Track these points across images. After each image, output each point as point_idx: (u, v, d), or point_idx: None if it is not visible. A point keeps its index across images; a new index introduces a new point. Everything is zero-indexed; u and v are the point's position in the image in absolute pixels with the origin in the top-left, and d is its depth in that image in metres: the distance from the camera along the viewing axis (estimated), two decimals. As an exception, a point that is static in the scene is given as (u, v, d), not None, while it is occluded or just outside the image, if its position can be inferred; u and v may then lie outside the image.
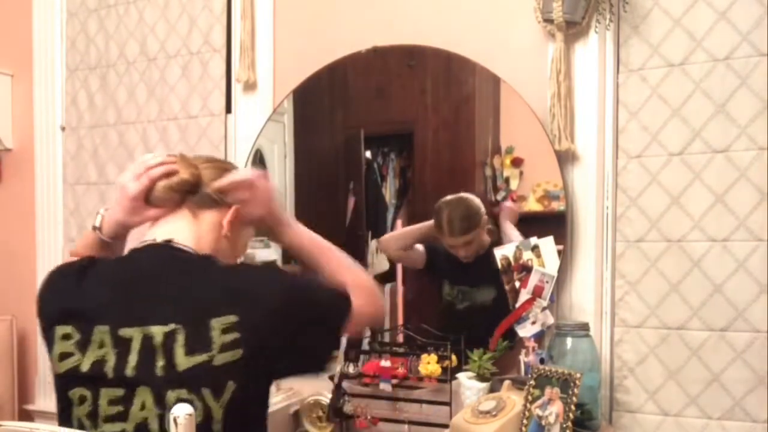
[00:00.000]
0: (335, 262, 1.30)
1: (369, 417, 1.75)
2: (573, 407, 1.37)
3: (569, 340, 1.61)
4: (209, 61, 2.18)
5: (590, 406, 1.55)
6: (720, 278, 1.62)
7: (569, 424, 1.36)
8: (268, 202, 1.26)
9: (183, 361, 1.01)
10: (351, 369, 1.81)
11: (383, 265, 2.04)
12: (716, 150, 1.63)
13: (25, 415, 2.46)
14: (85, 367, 1.05)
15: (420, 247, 1.97)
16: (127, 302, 1.07)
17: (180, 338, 1.02)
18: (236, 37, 2.14)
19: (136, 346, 1.03)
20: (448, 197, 1.89)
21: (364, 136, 2.08)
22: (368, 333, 2.00)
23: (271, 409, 1.86)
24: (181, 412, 0.85)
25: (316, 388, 1.89)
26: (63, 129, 2.44)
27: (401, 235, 2.01)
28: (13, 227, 2.55)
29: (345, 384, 1.79)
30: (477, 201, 1.87)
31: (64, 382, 1.07)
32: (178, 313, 1.04)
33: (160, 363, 1.01)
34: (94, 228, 1.25)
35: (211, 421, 1.00)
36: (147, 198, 1.19)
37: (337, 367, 1.79)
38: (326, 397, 1.81)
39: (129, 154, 2.30)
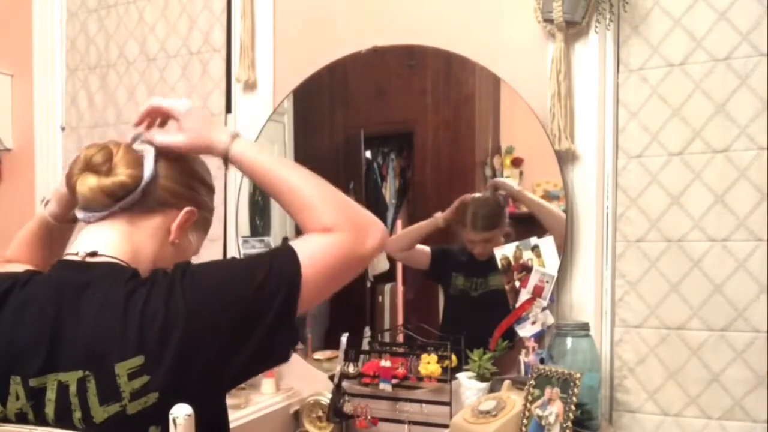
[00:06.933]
0: (298, 198, 1.04)
1: (369, 417, 1.75)
2: (573, 407, 1.36)
3: (569, 340, 1.61)
4: (209, 61, 2.18)
5: (590, 406, 1.55)
6: (720, 278, 1.62)
7: (569, 424, 1.36)
8: (192, 129, 1.06)
9: (99, 412, 0.89)
10: (351, 369, 1.81)
11: (383, 265, 2.04)
12: (716, 150, 1.63)
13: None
14: (11, 417, 0.94)
15: (425, 248, 1.97)
16: (38, 345, 0.92)
17: (92, 386, 0.89)
18: (236, 37, 2.14)
19: (51, 396, 0.91)
20: (477, 194, 1.91)
21: (364, 136, 2.08)
22: (368, 333, 2.00)
23: (271, 409, 1.88)
24: (181, 413, 0.85)
25: (316, 388, 1.89)
26: (63, 129, 2.44)
27: (401, 235, 2.01)
28: (13, 227, 2.54)
29: (345, 384, 1.79)
30: (503, 202, 1.87)
31: None
32: (87, 357, 0.90)
33: (77, 415, 0.90)
34: (43, 201, 1.19)
35: None
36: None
37: (337, 367, 1.79)
38: (326, 397, 1.82)
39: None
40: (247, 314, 0.93)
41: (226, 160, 1.07)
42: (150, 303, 0.91)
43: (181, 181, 1.08)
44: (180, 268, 0.96)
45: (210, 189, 1.15)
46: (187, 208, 1.07)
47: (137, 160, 1.03)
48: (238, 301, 0.93)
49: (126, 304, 0.91)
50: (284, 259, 0.97)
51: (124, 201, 1.02)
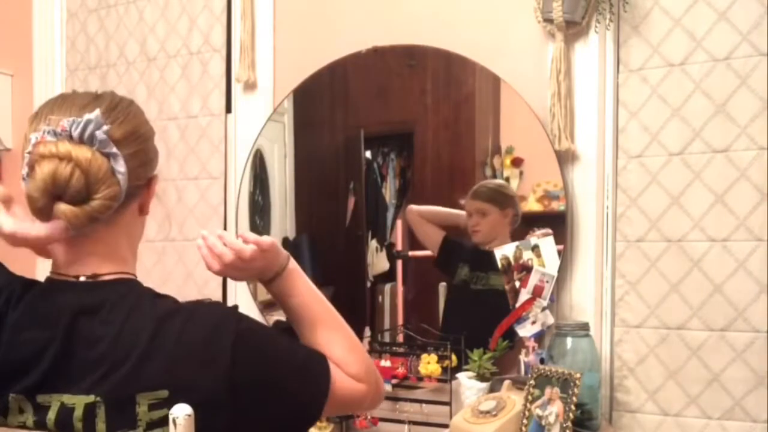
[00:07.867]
0: (337, 332, 1.07)
1: (369, 417, 1.75)
2: (573, 407, 1.37)
3: (569, 340, 1.61)
4: (209, 61, 2.18)
5: (590, 406, 1.55)
6: (720, 278, 1.62)
7: (569, 424, 1.36)
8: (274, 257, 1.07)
9: None
10: (351, 369, 1.81)
11: (383, 265, 2.04)
12: (716, 150, 1.63)
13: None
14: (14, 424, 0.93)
15: (441, 231, 1.97)
16: (40, 365, 0.89)
17: (101, 412, 0.87)
18: (236, 37, 2.14)
19: (51, 416, 0.88)
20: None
21: (364, 136, 2.08)
22: (368, 333, 2.00)
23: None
24: (181, 413, 0.85)
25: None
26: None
27: (431, 208, 1.99)
28: (13, 227, 2.55)
29: (345, 384, 1.79)
30: (513, 192, 1.86)
31: None
32: (102, 381, 0.87)
33: None
34: None
35: None
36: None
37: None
38: (326, 397, 1.81)
39: (129, 154, 2.31)
40: (282, 386, 0.96)
41: (278, 274, 1.07)
42: (187, 335, 0.90)
43: (142, 158, 0.99)
44: (229, 312, 0.96)
45: (153, 133, 1.06)
46: (151, 176, 1.02)
47: (108, 170, 0.91)
48: (280, 374, 0.96)
49: (156, 329, 0.89)
50: (323, 366, 1.01)
51: (104, 216, 0.93)
